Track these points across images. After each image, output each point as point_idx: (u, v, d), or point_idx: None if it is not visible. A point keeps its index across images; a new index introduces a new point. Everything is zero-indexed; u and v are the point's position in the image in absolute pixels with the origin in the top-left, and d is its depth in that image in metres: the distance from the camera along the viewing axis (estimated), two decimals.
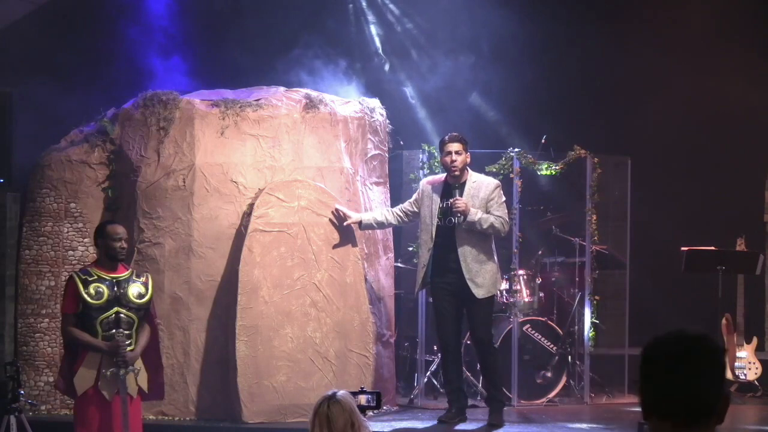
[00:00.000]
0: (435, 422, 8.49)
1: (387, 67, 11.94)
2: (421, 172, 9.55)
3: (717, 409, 2.56)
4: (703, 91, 11.29)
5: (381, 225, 8.83)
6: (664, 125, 11.53)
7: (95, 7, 10.60)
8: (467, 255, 8.31)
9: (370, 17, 11.92)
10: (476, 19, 11.50)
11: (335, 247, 8.66)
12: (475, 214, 8.25)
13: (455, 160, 8.35)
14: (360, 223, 8.68)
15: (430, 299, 9.26)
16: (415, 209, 8.60)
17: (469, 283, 8.28)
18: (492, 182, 8.55)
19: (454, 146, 8.37)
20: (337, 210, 8.63)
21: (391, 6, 11.93)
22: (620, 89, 11.63)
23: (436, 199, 8.45)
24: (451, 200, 8.31)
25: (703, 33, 11.39)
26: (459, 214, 8.27)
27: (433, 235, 8.41)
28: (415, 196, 8.69)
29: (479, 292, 8.30)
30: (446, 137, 8.48)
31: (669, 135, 11.53)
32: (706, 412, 2.52)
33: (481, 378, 9.12)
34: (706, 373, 2.54)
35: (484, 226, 8.28)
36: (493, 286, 8.44)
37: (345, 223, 8.63)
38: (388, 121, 9.58)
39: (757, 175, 11.53)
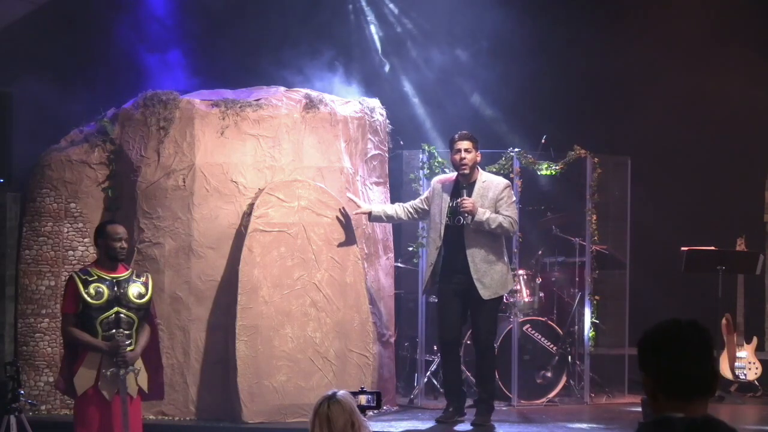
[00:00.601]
0: (434, 423, 8.48)
1: (387, 67, 11.95)
2: (420, 171, 9.55)
3: (713, 386, 2.98)
4: (703, 91, 11.29)
5: (390, 218, 8.82)
6: (664, 125, 11.54)
7: (95, 7, 10.60)
8: (475, 255, 8.30)
9: (370, 17, 11.92)
10: (476, 19, 11.51)
11: (335, 247, 8.66)
12: (483, 214, 8.24)
13: (464, 158, 8.34)
14: (369, 214, 8.68)
15: (432, 297, 9.27)
16: (426, 207, 8.60)
17: (477, 283, 8.26)
18: (502, 182, 8.54)
19: (464, 144, 8.36)
20: (349, 199, 8.64)
21: (391, 5, 11.94)
22: (620, 89, 11.63)
23: (446, 197, 8.44)
24: (459, 199, 8.31)
25: (703, 32, 11.40)
26: (467, 214, 8.27)
27: (442, 234, 8.41)
28: (426, 194, 8.70)
29: (485, 293, 8.28)
30: (456, 135, 8.47)
31: (669, 135, 11.53)
32: (706, 388, 2.93)
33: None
34: (705, 355, 2.94)
35: (492, 226, 8.26)
36: (501, 288, 8.41)
37: (355, 212, 8.64)
38: (388, 121, 9.58)
39: (757, 175, 11.53)
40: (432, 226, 8.53)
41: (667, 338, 2.95)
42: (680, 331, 2.96)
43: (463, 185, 8.39)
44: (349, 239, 8.74)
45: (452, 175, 8.64)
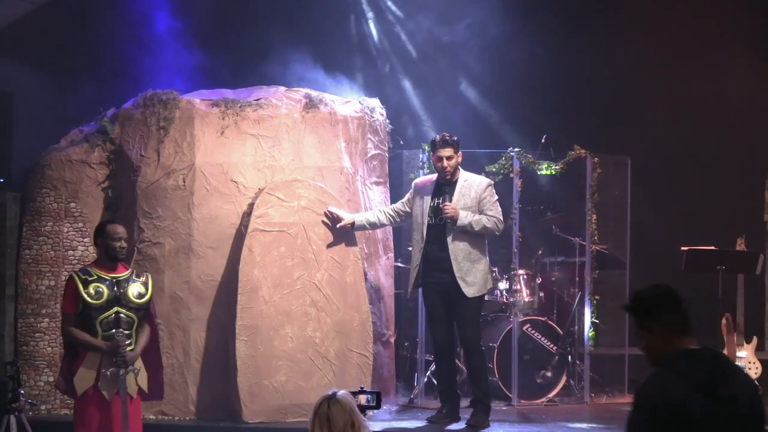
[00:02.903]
0: (435, 423, 8.47)
1: (387, 68, 11.95)
2: (421, 172, 9.54)
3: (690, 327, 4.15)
4: (703, 91, 11.29)
5: (373, 226, 8.82)
6: (664, 125, 11.54)
7: (95, 7, 10.61)
8: (458, 253, 8.29)
9: (370, 17, 11.92)
10: (477, 19, 11.51)
11: (335, 246, 8.66)
12: (465, 218, 8.23)
13: (446, 167, 8.33)
14: (352, 224, 8.65)
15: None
16: (408, 209, 8.60)
17: (460, 282, 8.26)
18: (483, 181, 8.52)
19: (446, 152, 8.33)
20: (329, 212, 8.62)
21: (392, 6, 11.94)
22: (620, 89, 11.63)
23: (428, 198, 8.43)
24: (441, 205, 8.30)
25: (704, 33, 11.40)
26: (448, 220, 8.26)
27: (424, 234, 8.40)
28: (407, 196, 8.69)
29: (469, 291, 8.28)
30: (438, 140, 8.41)
31: (669, 135, 11.53)
32: (691, 327, 4.11)
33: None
34: (682, 304, 4.14)
35: (476, 229, 8.26)
36: (483, 286, 8.41)
37: (338, 225, 8.61)
38: (388, 121, 9.59)
39: (757, 175, 11.54)
40: (415, 227, 8.53)
41: (670, 295, 4.14)
42: (671, 290, 4.17)
43: (445, 185, 8.39)
44: (349, 239, 8.73)
45: (432, 176, 8.64)
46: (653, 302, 4.13)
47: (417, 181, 8.77)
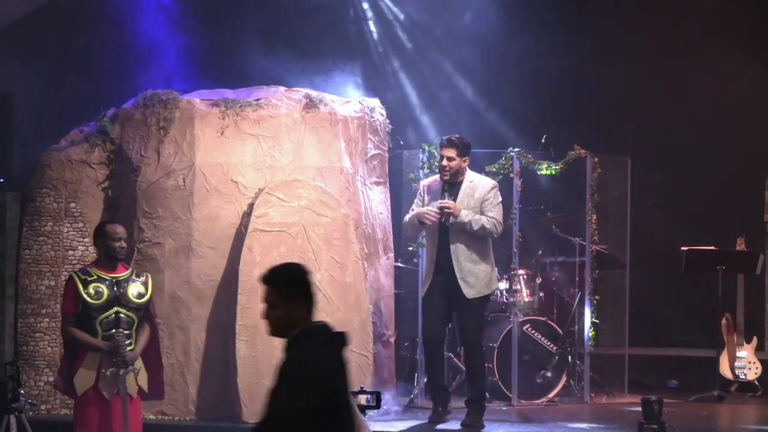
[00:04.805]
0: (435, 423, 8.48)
1: (387, 67, 11.96)
2: (421, 172, 9.54)
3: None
4: (703, 92, 11.30)
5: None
6: (664, 125, 11.55)
7: (94, 7, 10.61)
8: (459, 254, 8.32)
9: (371, 16, 11.93)
10: (477, 19, 11.52)
11: (335, 246, 8.66)
12: (466, 216, 8.25)
13: (445, 167, 8.36)
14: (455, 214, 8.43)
15: None
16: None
17: (460, 282, 8.28)
18: (488, 183, 8.54)
19: (448, 152, 8.36)
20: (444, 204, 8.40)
21: (392, 6, 11.94)
22: (620, 89, 11.64)
23: (436, 199, 8.46)
24: (442, 202, 8.33)
25: (703, 33, 11.41)
26: (449, 217, 8.28)
27: (436, 237, 8.44)
28: (421, 197, 8.70)
29: (469, 292, 8.30)
30: (444, 140, 8.46)
31: (669, 135, 11.54)
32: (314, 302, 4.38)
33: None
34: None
35: (475, 228, 8.28)
36: (486, 287, 8.42)
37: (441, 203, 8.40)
38: (388, 121, 9.59)
39: (757, 175, 11.55)
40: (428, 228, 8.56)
41: (308, 273, 4.37)
42: (301, 268, 4.40)
43: (450, 186, 8.41)
44: (349, 239, 8.73)
45: (438, 176, 8.66)
46: (300, 276, 4.37)
47: (424, 182, 8.78)
